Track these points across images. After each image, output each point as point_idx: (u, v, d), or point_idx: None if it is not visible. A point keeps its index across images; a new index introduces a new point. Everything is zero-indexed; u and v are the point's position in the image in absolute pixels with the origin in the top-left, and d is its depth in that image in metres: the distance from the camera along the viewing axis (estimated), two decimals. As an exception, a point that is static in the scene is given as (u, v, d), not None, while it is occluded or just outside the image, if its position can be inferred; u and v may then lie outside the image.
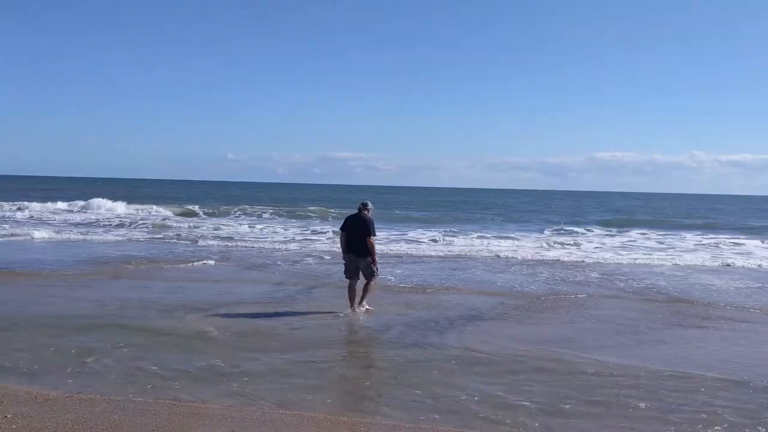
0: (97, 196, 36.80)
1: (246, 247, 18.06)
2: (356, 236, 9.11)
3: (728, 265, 16.17)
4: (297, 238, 21.29)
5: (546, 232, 26.66)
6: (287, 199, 57.58)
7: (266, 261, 14.81)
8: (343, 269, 9.31)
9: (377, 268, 9.25)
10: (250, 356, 6.42)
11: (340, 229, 9.43)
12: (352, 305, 9.02)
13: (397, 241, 20.54)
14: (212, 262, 14.18)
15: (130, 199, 36.66)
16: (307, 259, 15.39)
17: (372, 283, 9.24)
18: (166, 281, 11.36)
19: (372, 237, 9.02)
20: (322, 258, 15.47)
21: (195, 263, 13.86)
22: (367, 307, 9.10)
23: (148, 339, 7.04)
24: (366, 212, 9.21)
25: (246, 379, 5.65)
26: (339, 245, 9.56)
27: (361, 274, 9.16)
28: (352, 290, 9.14)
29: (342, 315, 8.69)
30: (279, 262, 14.55)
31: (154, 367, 5.93)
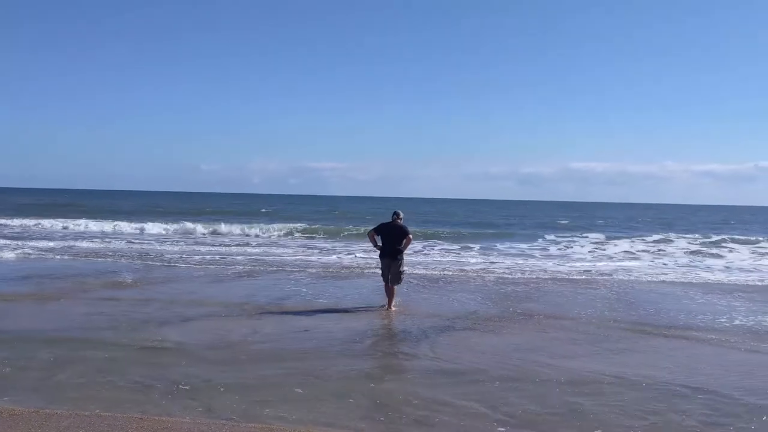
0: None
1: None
2: (391, 242, 10.49)
3: None
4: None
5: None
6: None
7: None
8: (381, 273, 10.70)
9: (404, 274, 10.64)
10: (218, 369, 6.41)
11: (373, 229, 10.78)
12: (389, 304, 10.31)
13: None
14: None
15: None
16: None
17: (396, 288, 10.47)
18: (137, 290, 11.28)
19: (410, 236, 10.60)
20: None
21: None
22: (394, 308, 10.28)
23: (115, 353, 6.99)
24: (399, 220, 10.60)
25: (214, 392, 5.64)
26: (369, 241, 11.05)
27: (390, 278, 10.39)
28: (388, 289, 10.45)
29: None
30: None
31: (122, 382, 5.90)
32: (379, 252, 10.73)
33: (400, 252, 10.50)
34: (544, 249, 23.79)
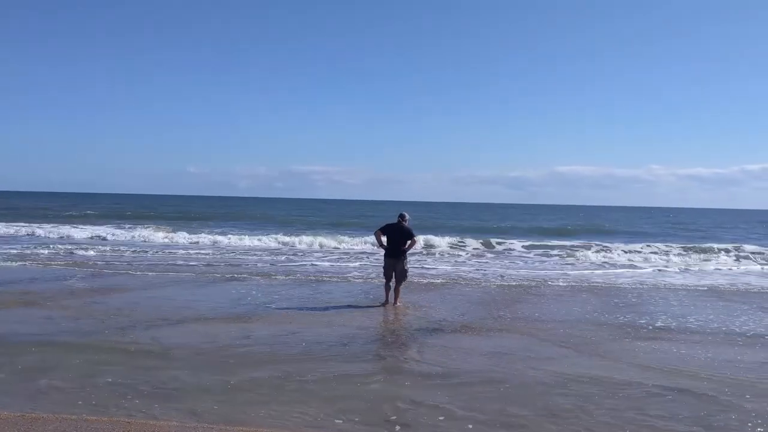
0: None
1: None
2: (396, 243, 10.88)
3: None
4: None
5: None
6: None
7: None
8: (383, 271, 11.07)
9: (408, 272, 11.11)
10: (206, 372, 6.41)
11: (379, 229, 11.09)
12: (386, 301, 10.89)
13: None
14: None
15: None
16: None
17: (401, 285, 11.00)
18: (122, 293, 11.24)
19: (415, 238, 10.99)
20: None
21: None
22: (400, 305, 10.86)
23: (102, 356, 6.97)
24: (404, 222, 10.95)
25: (201, 395, 5.64)
26: (375, 240, 11.46)
27: (394, 277, 10.88)
28: (387, 288, 10.98)
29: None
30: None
31: (108, 385, 5.88)
32: (384, 251, 11.06)
33: (404, 253, 10.89)
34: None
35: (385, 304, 10.85)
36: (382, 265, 11.16)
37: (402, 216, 11.14)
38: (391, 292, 11.03)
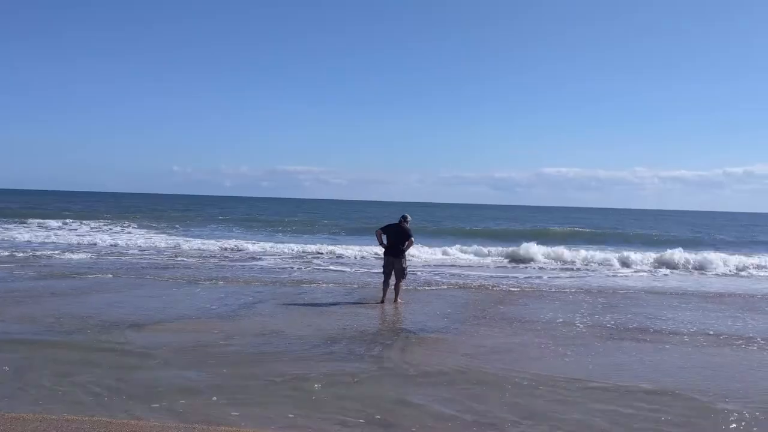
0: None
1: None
2: (396, 243, 11.36)
3: None
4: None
5: None
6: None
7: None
8: (382, 270, 11.53)
9: (407, 270, 11.56)
10: (186, 372, 6.39)
11: (381, 228, 11.62)
12: (383, 299, 11.31)
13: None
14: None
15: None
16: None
17: (402, 282, 11.46)
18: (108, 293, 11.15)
19: (412, 239, 11.41)
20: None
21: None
22: (400, 301, 11.31)
23: (83, 355, 6.93)
24: (406, 224, 11.43)
25: (182, 395, 5.63)
26: (376, 238, 11.80)
27: (393, 274, 11.34)
28: (385, 285, 11.41)
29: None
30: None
31: (89, 385, 5.85)
32: (383, 249, 11.54)
33: (403, 252, 11.36)
34: None
35: (382, 301, 11.22)
36: (382, 263, 11.66)
37: (404, 217, 11.63)
38: (391, 291, 11.45)
